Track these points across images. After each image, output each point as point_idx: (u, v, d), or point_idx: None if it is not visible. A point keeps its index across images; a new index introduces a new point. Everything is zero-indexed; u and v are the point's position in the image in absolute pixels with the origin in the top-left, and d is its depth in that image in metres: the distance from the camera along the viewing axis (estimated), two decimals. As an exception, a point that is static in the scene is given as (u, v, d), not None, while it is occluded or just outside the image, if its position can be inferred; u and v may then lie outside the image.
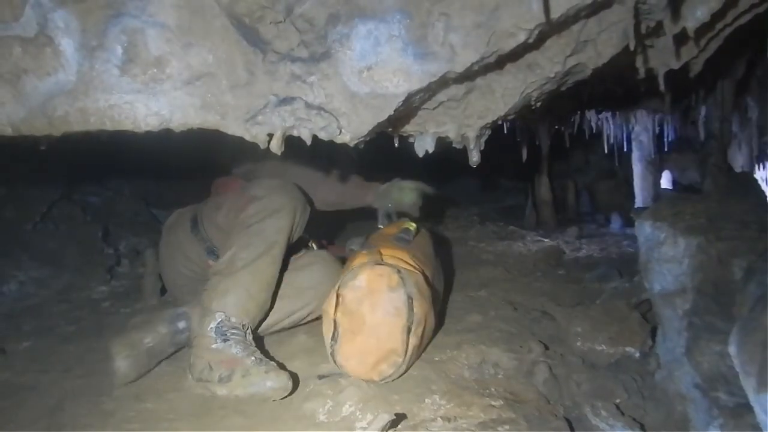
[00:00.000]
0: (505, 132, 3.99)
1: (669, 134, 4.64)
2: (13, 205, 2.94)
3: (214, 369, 1.61)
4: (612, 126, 4.60)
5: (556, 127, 4.33)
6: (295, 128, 1.35)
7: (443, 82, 1.38)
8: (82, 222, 3.21)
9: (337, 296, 1.63)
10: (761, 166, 4.10)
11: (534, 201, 4.62)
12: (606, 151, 4.86)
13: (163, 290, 2.49)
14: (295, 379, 1.60)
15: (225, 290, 1.73)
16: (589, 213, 5.36)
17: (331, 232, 2.87)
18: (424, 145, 1.73)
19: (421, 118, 1.63)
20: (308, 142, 1.38)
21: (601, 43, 1.51)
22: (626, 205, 4.86)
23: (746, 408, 1.23)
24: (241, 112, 1.34)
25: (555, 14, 1.25)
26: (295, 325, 2.02)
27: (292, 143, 1.42)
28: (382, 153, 2.28)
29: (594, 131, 4.55)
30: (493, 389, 1.64)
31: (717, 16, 1.48)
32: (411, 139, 1.78)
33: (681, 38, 1.61)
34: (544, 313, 2.23)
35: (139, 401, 1.61)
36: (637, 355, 1.87)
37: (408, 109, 1.47)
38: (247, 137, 1.36)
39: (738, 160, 4.21)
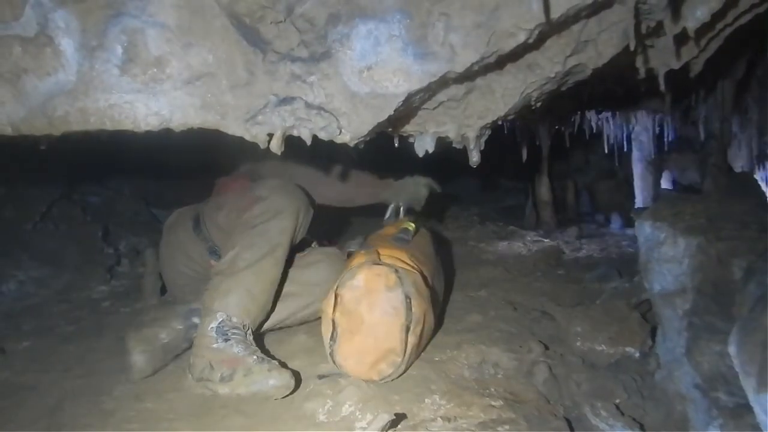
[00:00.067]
0: (505, 132, 3.99)
1: (669, 134, 4.64)
2: (13, 205, 2.94)
3: (215, 368, 1.61)
4: (612, 126, 4.59)
5: (557, 127, 4.33)
6: (295, 128, 1.35)
7: (443, 82, 1.38)
8: (82, 222, 3.21)
9: (336, 296, 1.64)
10: (761, 166, 4.09)
11: (534, 201, 4.62)
12: (606, 151, 4.85)
13: (163, 290, 2.49)
14: (297, 378, 1.60)
15: (227, 290, 1.73)
16: (589, 213, 5.35)
17: (332, 232, 2.87)
18: (424, 145, 1.73)
19: (421, 118, 1.63)
20: (308, 141, 1.38)
21: (601, 43, 1.51)
22: (626, 205, 4.85)
23: (746, 408, 1.23)
24: (241, 112, 1.34)
25: (555, 14, 1.25)
26: (303, 322, 2.03)
27: (297, 142, 1.42)
28: (382, 153, 2.28)
29: (594, 131, 4.55)
30: (493, 389, 1.64)
31: (717, 16, 1.48)
32: (411, 139, 1.78)
33: (681, 38, 1.61)
34: (544, 313, 2.23)
35: (139, 401, 1.61)
36: (637, 355, 1.87)
37: (408, 109, 1.47)
38: (247, 137, 1.36)
39: (738, 161, 4.21)
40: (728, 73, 3.35)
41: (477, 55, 1.28)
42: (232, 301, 1.72)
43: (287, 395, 1.57)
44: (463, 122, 1.61)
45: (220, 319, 1.68)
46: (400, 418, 1.43)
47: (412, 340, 1.61)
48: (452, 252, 3.36)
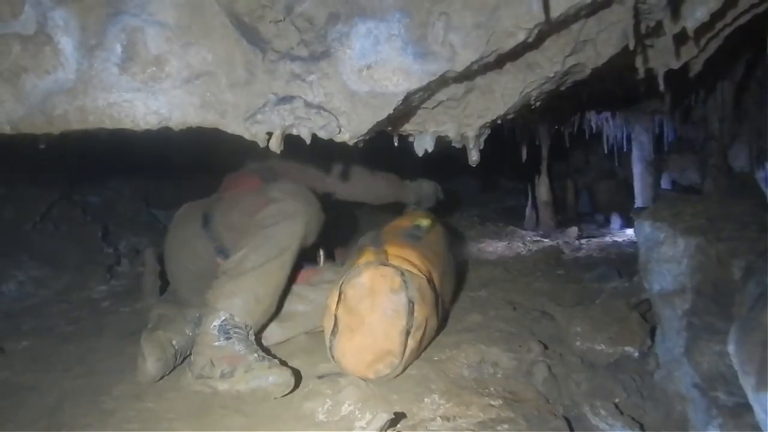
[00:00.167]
0: (505, 132, 3.99)
1: (669, 135, 4.63)
2: (12, 205, 2.95)
3: (216, 365, 1.62)
4: (612, 126, 4.59)
5: (556, 127, 4.33)
6: (295, 127, 1.35)
7: (443, 82, 1.38)
8: (82, 222, 3.22)
9: (340, 292, 1.64)
10: (761, 166, 4.09)
11: (534, 201, 4.62)
12: (606, 151, 4.85)
13: (163, 289, 2.49)
14: (297, 376, 1.60)
15: (232, 291, 1.73)
16: (589, 213, 5.35)
17: (341, 232, 2.88)
18: (423, 145, 1.73)
19: (421, 117, 1.63)
20: (308, 140, 1.38)
21: (600, 42, 1.51)
22: (626, 206, 4.84)
23: (745, 407, 1.23)
24: (241, 110, 1.34)
25: (555, 13, 1.25)
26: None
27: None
28: (382, 153, 2.29)
29: (594, 131, 4.55)
30: (492, 389, 1.64)
31: (717, 16, 1.48)
32: (410, 139, 1.78)
33: (681, 38, 1.61)
34: (544, 313, 2.23)
35: (139, 401, 1.61)
36: (637, 354, 1.87)
37: (407, 108, 1.47)
38: (247, 136, 1.36)
39: (738, 161, 4.20)
40: (728, 74, 3.35)
41: (477, 55, 1.28)
42: (237, 302, 1.71)
43: (287, 394, 1.57)
44: (462, 121, 1.61)
45: (223, 318, 1.68)
46: (399, 417, 1.43)
47: (411, 344, 1.62)
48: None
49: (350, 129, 1.36)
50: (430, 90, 1.42)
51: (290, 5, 1.24)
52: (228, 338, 1.66)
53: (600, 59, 1.55)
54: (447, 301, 2.03)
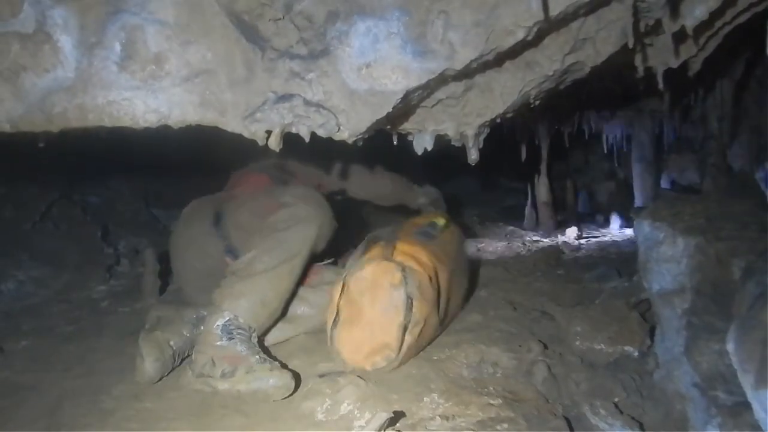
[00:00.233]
0: (505, 132, 3.99)
1: (668, 134, 4.64)
2: (12, 205, 2.94)
3: (217, 364, 1.61)
4: (611, 126, 4.59)
5: (556, 127, 4.33)
6: (294, 125, 1.35)
7: (442, 80, 1.38)
8: (81, 222, 3.22)
9: (344, 284, 1.69)
10: (761, 166, 4.09)
11: (533, 201, 4.62)
12: (605, 151, 4.86)
13: (163, 290, 2.49)
14: (297, 380, 1.60)
15: (239, 293, 1.72)
16: (589, 213, 5.35)
17: (347, 233, 2.90)
18: (422, 143, 1.74)
19: (420, 115, 1.63)
20: (306, 139, 1.38)
21: (599, 41, 1.51)
22: (626, 205, 4.85)
23: (745, 406, 1.23)
24: (240, 109, 1.34)
25: (554, 12, 1.25)
26: None
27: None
28: (382, 152, 2.29)
29: (593, 131, 4.55)
30: (491, 388, 1.63)
31: (716, 14, 1.49)
32: (410, 137, 1.78)
33: (680, 37, 1.61)
34: (544, 312, 2.23)
35: (139, 401, 1.61)
36: (636, 354, 1.87)
37: (407, 106, 1.47)
38: (246, 134, 1.36)
39: (737, 161, 4.20)
40: (727, 73, 3.35)
41: (476, 53, 1.28)
42: (243, 304, 1.71)
43: (286, 396, 1.57)
44: (461, 120, 1.61)
45: (227, 318, 1.68)
46: (398, 416, 1.43)
47: (408, 339, 1.64)
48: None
49: (349, 127, 1.36)
50: (429, 88, 1.42)
51: (289, 3, 1.25)
52: (230, 338, 1.65)
53: (599, 57, 1.55)
54: (456, 301, 2.03)
